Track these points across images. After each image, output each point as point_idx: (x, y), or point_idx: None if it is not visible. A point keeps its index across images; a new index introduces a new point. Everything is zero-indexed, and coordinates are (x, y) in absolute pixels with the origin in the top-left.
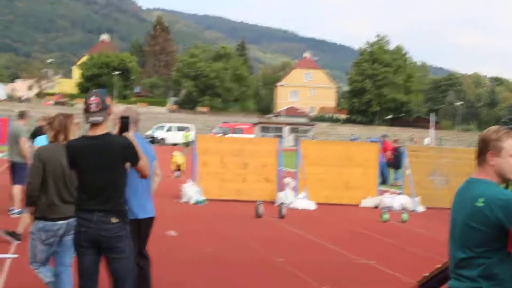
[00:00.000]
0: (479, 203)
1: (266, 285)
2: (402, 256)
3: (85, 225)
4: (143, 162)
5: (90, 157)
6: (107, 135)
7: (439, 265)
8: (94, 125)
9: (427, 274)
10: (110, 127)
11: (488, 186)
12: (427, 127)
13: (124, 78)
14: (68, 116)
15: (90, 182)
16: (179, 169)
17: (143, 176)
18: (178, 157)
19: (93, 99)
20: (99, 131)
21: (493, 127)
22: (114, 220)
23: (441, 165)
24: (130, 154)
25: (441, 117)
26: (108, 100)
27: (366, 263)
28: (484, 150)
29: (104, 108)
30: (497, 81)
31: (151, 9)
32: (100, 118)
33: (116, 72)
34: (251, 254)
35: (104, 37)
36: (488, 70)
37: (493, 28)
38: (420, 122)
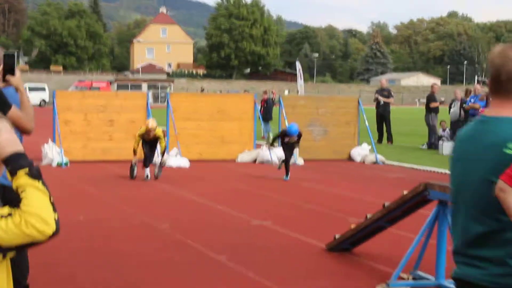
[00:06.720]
0: (509, 150)
1: (152, 257)
2: (297, 214)
3: None
4: (19, 112)
5: None
6: None
7: (354, 225)
8: None
9: (338, 235)
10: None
11: None
12: (285, 80)
13: None
14: None
15: None
16: None
17: (24, 130)
18: None
19: None
20: None
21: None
22: None
23: (319, 115)
24: None
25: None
26: None
27: (261, 224)
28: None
29: None
30: (350, 33)
31: None
32: None
33: None
34: (130, 221)
35: None
36: (341, 23)
37: None
38: (278, 75)
